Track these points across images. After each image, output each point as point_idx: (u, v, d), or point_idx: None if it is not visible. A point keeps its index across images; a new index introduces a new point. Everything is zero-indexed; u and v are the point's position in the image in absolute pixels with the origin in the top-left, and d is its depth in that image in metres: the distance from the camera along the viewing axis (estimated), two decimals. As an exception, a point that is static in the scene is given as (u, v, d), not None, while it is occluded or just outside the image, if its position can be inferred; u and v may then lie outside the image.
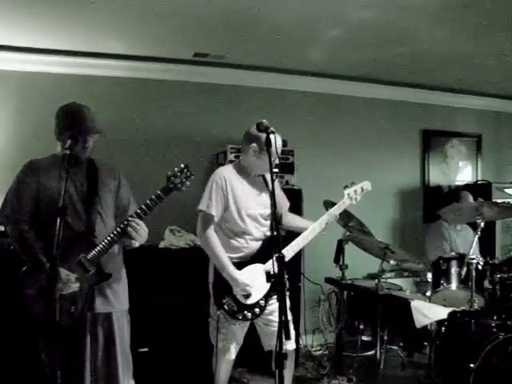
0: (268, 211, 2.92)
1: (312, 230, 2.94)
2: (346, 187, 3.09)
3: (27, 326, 2.28)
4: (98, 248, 2.28)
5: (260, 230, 2.92)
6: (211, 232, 2.80)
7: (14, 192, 2.36)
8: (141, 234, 2.31)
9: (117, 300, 2.41)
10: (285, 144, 4.41)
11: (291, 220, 3.19)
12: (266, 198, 2.94)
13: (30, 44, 3.99)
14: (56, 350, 1.97)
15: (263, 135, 2.53)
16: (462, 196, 4.52)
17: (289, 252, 2.86)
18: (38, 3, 3.20)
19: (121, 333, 2.40)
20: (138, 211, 2.32)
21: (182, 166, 2.38)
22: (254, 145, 2.82)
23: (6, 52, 4.01)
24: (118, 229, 2.30)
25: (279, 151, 2.67)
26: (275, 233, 2.16)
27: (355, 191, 3.09)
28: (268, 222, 2.96)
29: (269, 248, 2.82)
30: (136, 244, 2.38)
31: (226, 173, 2.90)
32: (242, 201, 2.86)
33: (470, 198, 4.44)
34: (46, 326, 1.98)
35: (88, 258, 2.27)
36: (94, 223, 2.35)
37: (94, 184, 2.42)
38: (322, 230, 2.97)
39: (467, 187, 5.40)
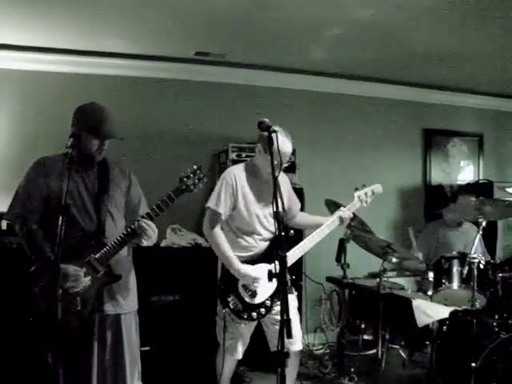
0: None
1: (320, 232, 2.90)
2: (356, 189, 2.99)
3: (31, 326, 2.25)
4: (107, 248, 2.24)
5: (268, 230, 2.88)
6: (217, 230, 2.78)
7: (24, 190, 2.31)
8: (150, 234, 2.26)
9: (126, 301, 2.38)
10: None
11: (303, 219, 3.17)
12: None
13: (32, 43, 3.99)
14: (60, 349, 1.95)
15: (266, 135, 2.48)
16: (459, 199, 4.30)
17: (296, 253, 2.83)
18: (39, 2, 3.20)
19: (129, 334, 2.37)
20: (150, 212, 2.28)
21: (195, 167, 2.33)
22: (259, 145, 2.81)
23: (8, 51, 4.01)
24: (129, 229, 2.26)
25: (283, 152, 2.41)
26: (277, 233, 2.15)
27: (366, 194, 2.99)
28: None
29: (275, 248, 2.83)
30: (144, 243, 2.33)
31: (237, 172, 2.87)
32: (251, 201, 2.83)
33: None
34: (49, 324, 1.95)
35: (97, 257, 2.23)
36: (104, 223, 2.31)
37: (105, 183, 2.37)
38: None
39: (469, 186, 5.39)
